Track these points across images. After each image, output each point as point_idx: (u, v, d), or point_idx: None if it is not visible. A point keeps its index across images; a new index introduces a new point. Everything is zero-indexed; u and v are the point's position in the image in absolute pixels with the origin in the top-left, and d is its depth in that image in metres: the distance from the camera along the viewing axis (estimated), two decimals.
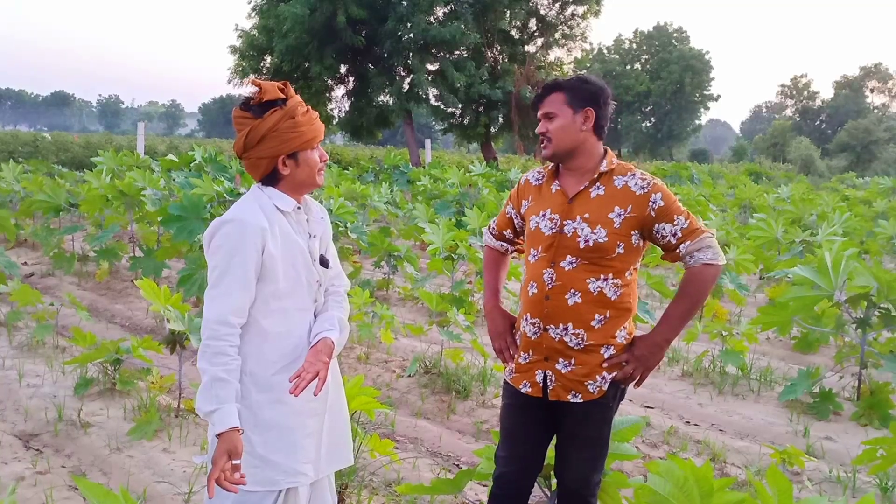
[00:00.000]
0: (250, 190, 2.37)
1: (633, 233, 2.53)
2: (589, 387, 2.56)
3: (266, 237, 2.21)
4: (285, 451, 2.29)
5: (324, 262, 2.42)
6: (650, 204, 2.51)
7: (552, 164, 2.68)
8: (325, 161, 2.37)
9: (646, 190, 2.52)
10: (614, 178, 2.56)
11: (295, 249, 2.30)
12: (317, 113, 2.35)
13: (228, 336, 2.18)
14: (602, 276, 2.53)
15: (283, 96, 2.27)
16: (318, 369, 2.22)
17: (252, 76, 31.48)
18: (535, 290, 2.60)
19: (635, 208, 2.51)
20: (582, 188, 2.57)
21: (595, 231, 2.50)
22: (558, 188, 2.62)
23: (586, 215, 2.53)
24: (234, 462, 2.11)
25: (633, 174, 2.56)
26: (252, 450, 2.27)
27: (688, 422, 5.12)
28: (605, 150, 2.63)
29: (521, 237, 2.88)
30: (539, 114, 2.61)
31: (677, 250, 2.54)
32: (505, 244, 2.94)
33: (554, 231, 2.57)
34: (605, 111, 2.58)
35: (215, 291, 2.20)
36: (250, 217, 2.22)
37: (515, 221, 2.84)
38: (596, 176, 2.57)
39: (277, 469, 2.28)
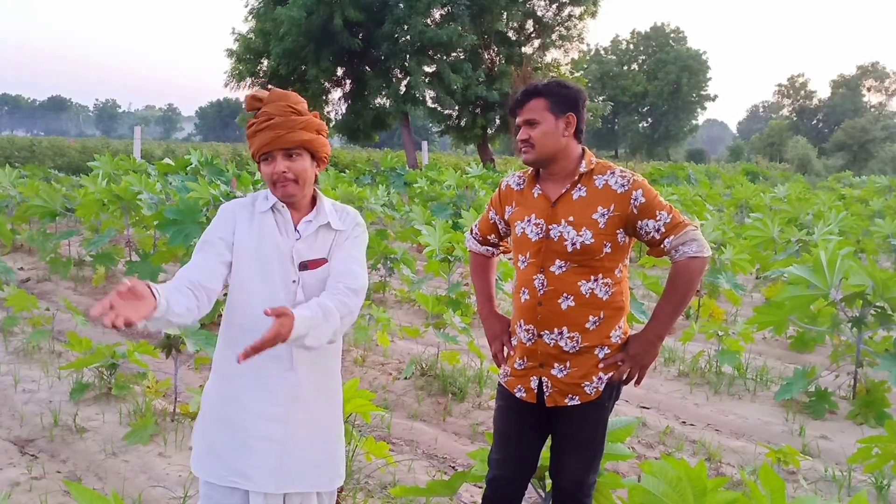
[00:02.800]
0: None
1: (618, 231, 2.52)
2: (586, 388, 2.56)
3: (235, 220, 2.36)
4: (235, 449, 2.31)
5: (302, 266, 2.36)
6: (632, 201, 2.50)
7: (532, 167, 2.67)
8: (281, 173, 2.29)
9: (626, 188, 2.51)
10: (594, 177, 2.56)
11: (270, 245, 2.34)
12: (271, 126, 2.29)
13: (179, 278, 2.21)
14: (592, 278, 2.53)
15: (259, 106, 2.36)
16: (264, 341, 2.02)
17: (249, 80, 31.53)
18: (528, 297, 2.60)
19: (618, 207, 2.51)
20: (564, 191, 2.56)
21: (581, 233, 2.50)
22: (540, 192, 2.61)
23: (571, 218, 2.52)
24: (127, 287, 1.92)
25: (613, 172, 2.55)
26: (207, 438, 2.37)
27: (684, 422, 5.12)
28: (583, 150, 2.62)
29: (506, 240, 2.88)
30: (519, 120, 2.59)
31: (662, 245, 2.53)
32: (490, 248, 2.94)
33: (540, 236, 2.56)
34: (583, 114, 2.59)
35: None
36: (231, 205, 2.42)
37: (500, 226, 2.83)
38: (576, 178, 2.56)
39: (224, 464, 2.32)
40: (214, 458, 2.32)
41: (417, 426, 4.84)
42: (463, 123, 32.74)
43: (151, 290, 1.96)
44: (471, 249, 3.00)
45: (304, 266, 2.37)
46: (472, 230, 2.98)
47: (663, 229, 2.51)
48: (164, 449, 4.22)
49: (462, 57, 30.92)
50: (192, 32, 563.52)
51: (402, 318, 7.70)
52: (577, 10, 32.54)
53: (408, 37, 29.65)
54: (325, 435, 2.44)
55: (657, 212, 2.51)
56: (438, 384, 5.42)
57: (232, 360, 2.24)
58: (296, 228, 2.38)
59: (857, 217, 13.05)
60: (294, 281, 2.35)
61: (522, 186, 2.70)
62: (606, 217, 2.50)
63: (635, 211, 2.51)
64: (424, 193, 15.06)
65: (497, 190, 2.82)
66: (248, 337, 2.12)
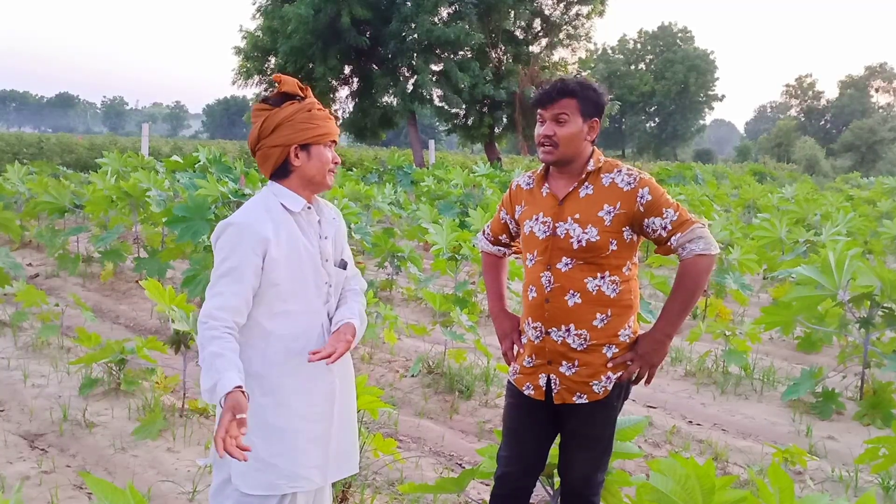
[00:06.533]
0: (260, 191, 2.38)
1: (624, 229, 2.53)
2: (594, 387, 2.57)
3: (267, 245, 2.23)
4: (288, 455, 2.29)
5: (342, 265, 2.44)
6: (638, 199, 2.51)
7: (542, 166, 2.68)
8: (336, 163, 2.38)
9: (633, 185, 2.52)
10: (602, 175, 2.57)
11: (302, 251, 2.30)
12: (332, 117, 2.38)
13: (219, 326, 2.16)
14: (599, 275, 2.53)
15: (301, 94, 2.33)
16: (337, 347, 2.25)
17: (256, 77, 31.58)
18: (535, 294, 2.61)
19: (624, 205, 2.51)
20: (571, 189, 2.57)
21: (586, 231, 2.51)
22: (549, 191, 2.63)
23: (577, 215, 2.53)
24: (239, 416, 2.03)
25: (620, 170, 2.56)
26: (255, 453, 2.26)
27: (690, 421, 5.12)
28: (592, 150, 2.62)
29: (518, 240, 2.88)
30: (547, 115, 2.55)
31: (669, 243, 2.54)
32: (501, 248, 2.95)
33: (547, 234, 2.57)
34: (602, 119, 2.60)
35: (211, 291, 2.23)
36: (253, 223, 2.24)
37: (511, 226, 2.84)
38: (584, 176, 2.57)
39: (279, 473, 2.28)
40: (267, 471, 2.26)
41: (424, 424, 4.85)
42: (470, 122, 32.73)
43: (243, 391, 2.07)
44: (482, 250, 3.01)
45: (343, 265, 2.45)
46: (484, 230, 3.00)
47: (670, 227, 2.51)
48: (172, 444, 4.24)
49: (469, 55, 30.89)
50: (200, 30, 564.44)
51: (409, 316, 7.71)
52: (585, 9, 32.50)
53: (415, 35, 29.63)
54: (352, 424, 2.52)
55: (664, 209, 2.51)
56: (445, 382, 5.43)
57: (275, 371, 2.28)
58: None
59: (865, 218, 12.97)
60: (326, 283, 2.37)
61: (532, 186, 2.71)
62: (612, 215, 2.51)
63: (641, 209, 2.51)
64: (431, 192, 15.05)
65: (508, 190, 2.83)
66: (292, 345, 2.26)
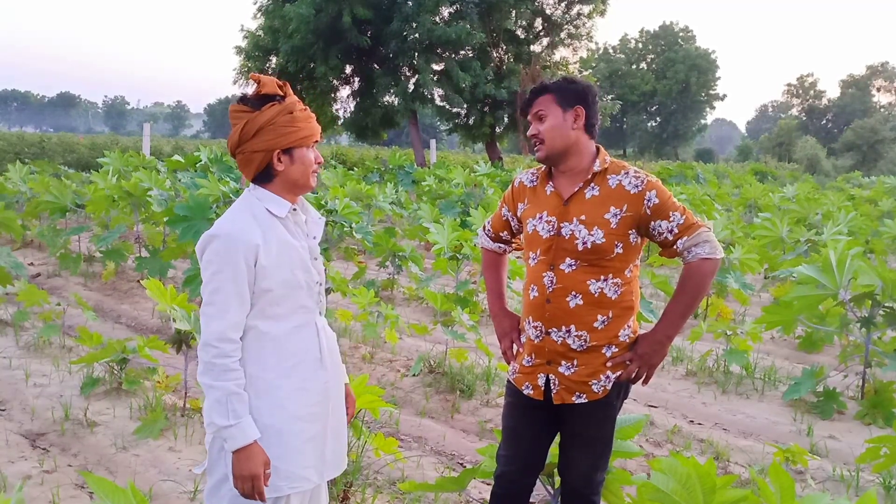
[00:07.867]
0: (242, 195, 2.31)
1: (630, 232, 2.52)
2: (593, 386, 2.57)
3: (258, 252, 2.17)
4: (285, 457, 2.27)
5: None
6: (645, 202, 2.50)
7: (545, 165, 2.67)
8: (319, 163, 2.32)
9: (640, 188, 2.51)
10: (608, 177, 2.56)
11: (293, 254, 2.26)
12: (314, 114, 2.33)
13: (233, 352, 2.16)
14: (602, 277, 2.53)
15: (281, 93, 2.25)
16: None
17: None
18: (536, 294, 2.60)
19: (630, 207, 2.50)
20: (576, 189, 2.56)
21: (592, 233, 2.50)
22: (553, 190, 2.61)
23: (583, 217, 2.52)
24: (268, 471, 2.19)
25: (627, 172, 2.55)
26: None
27: (691, 421, 5.12)
28: (598, 149, 2.62)
29: (518, 237, 2.88)
30: (529, 117, 2.61)
31: (675, 246, 2.53)
32: (502, 245, 2.94)
33: (552, 234, 2.56)
34: (594, 109, 2.58)
35: (211, 309, 2.17)
36: (241, 232, 2.18)
37: (512, 223, 2.83)
38: (590, 176, 2.56)
39: (278, 475, 2.25)
40: (273, 474, 2.23)
41: (426, 423, 4.86)
42: (471, 122, 32.65)
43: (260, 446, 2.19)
44: (482, 246, 3.00)
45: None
46: (484, 227, 2.98)
47: (676, 230, 2.51)
48: (174, 443, 4.24)
49: (470, 55, 30.84)
50: (201, 29, 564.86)
51: (410, 315, 7.71)
52: (586, 9, 32.43)
53: (416, 34, 29.58)
54: (343, 422, 2.50)
55: (670, 213, 2.51)
56: (446, 381, 5.43)
57: (271, 373, 2.25)
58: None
59: (866, 217, 12.96)
60: (317, 281, 2.35)
61: (535, 183, 2.70)
62: (619, 217, 2.50)
63: (648, 212, 2.51)
64: (433, 191, 15.05)
65: (510, 186, 2.82)
66: (286, 346, 2.26)
